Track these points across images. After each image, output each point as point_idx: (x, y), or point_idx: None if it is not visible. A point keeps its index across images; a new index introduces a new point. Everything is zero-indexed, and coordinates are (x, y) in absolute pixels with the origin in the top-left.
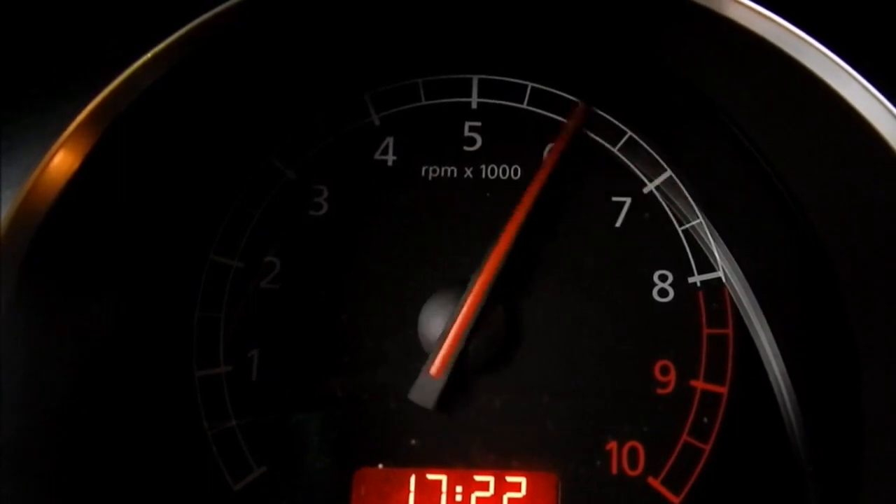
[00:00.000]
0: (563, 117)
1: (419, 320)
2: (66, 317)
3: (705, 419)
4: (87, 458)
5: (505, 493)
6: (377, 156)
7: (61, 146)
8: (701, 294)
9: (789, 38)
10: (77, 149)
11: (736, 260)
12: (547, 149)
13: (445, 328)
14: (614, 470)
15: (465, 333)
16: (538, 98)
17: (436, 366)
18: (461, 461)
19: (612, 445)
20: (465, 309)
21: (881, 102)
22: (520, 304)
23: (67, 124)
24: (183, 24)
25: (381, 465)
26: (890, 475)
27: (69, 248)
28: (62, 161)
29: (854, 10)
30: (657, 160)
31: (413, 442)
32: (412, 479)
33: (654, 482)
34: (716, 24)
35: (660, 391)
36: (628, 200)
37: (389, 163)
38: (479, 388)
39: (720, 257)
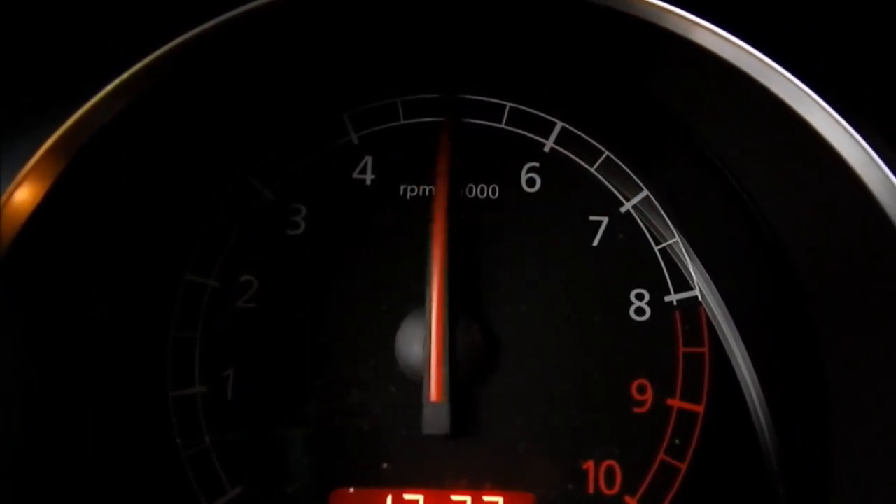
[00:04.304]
0: (541, 137)
1: (396, 342)
2: (38, 337)
3: (682, 438)
4: (58, 478)
5: None
6: (355, 175)
7: (28, 173)
8: (677, 313)
9: (757, 64)
10: (46, 174)
11: (712, 279)
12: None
13: (425, 351)
14: (591, 489)
15: (446, 352)
16: (516, 118)
17: (433, 390)
18: (437, 482)
19: (589, 465)
20: (433, 328)
21: (845, 129)
22: (496, 323)
23: (37, 149)
24: (157, 46)
25: (351, 490)
26: (859, 494)
27: (40, 269)
28: (29, 188)
29: (819, 39)
30: (634, 180)
31: (389, 463)
32: (389, 500)
33: (631, 501)
34: (687, 49)
35: (636, 410)
36: (605, 219)
37: (368, 182)
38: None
39: (696, 276)
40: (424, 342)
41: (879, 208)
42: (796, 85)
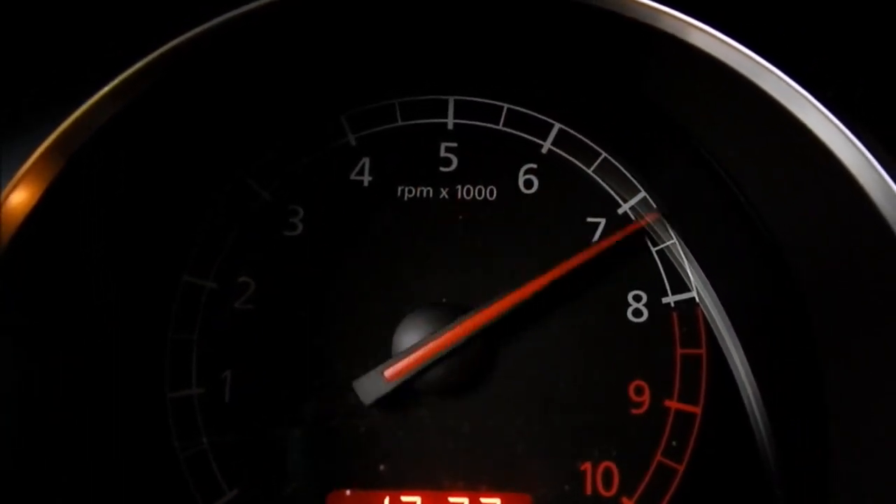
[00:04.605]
0: (539, 138)
1: (394, 343)
2: (36, 338)
3: (679, 439)
4: (56, 479)
5: None
6: (353, 176)
7: (25, 174)
8: (675, 314)
9: (751, 65)
10: (43, 175)
11: (709, 280)
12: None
13: (420, 342)
14: (588, 490)
15: (438, 356)
16: (514, 119)
17: (392, 370)
18: (435, 483)
19: (587, 466)
20: (445, 336)
21: (840, 130)
22: (494, 326)
23: (34, 150)
24: (155, 48)
25: (348, 492)
26: (857, 495)
27: (37, 271)
28: (26, 190)
29: (813, 40)
30: (632, 181)
31: (386, 464)
32: (386, 501)
33: (629, 503)
34: (682, 50)
35: (634, 411)
36: (603, 221)
37: (365, 183)
38: (453, 409)
39: (694, 278)
40: (425, 336)
41: (875, 209)
42: (791, 86)
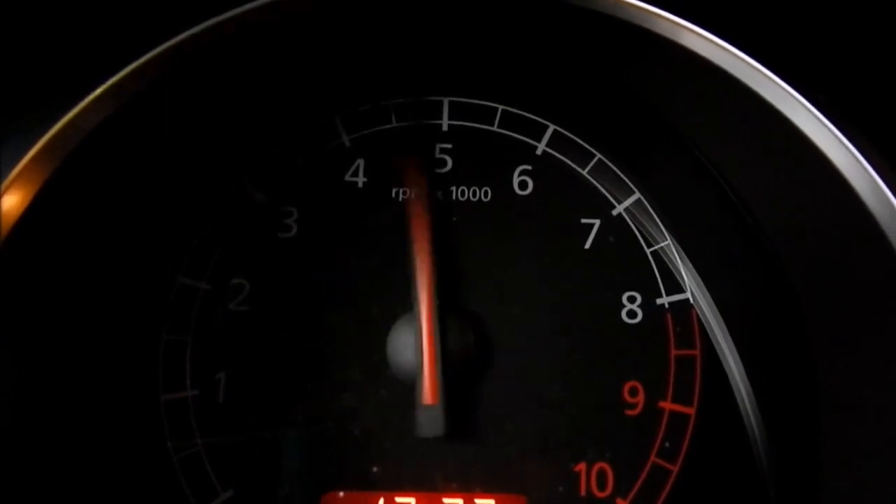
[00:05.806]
0: (533, 140)
1: (388, 345)
2: (30, 341)
3: (673, 440)
4: (50, 481)
5: None
6: (348, 177)
7: (17, 177)
8: (669, 315)
9: (745, 68)
10: (36, 177)
11: (703, 282)
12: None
13: (417, 356)
14: (583, 491)
15: (438, 355)
16: (509, 121)
17: (427, 393)
18: (429, 485)
19: (581, 467)
20: (424, 332)
21: (832, 132)
22: (489, 325)
23: (27, 152)
24: (148, 49)
25: (342, 493)
26: (850, 495)
27: (30, 273)
28: (19, 192)
29: (808, 43)
30: (626, 183)
31: (380, 466)
32: (380, 503)
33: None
34: (676, 53)
35: (628, 412)
36: (598, 222)
37: (360, 184)
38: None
39: (688, 279)
40: (416, 346)
41: (867, 211)
42: (784, 89)
